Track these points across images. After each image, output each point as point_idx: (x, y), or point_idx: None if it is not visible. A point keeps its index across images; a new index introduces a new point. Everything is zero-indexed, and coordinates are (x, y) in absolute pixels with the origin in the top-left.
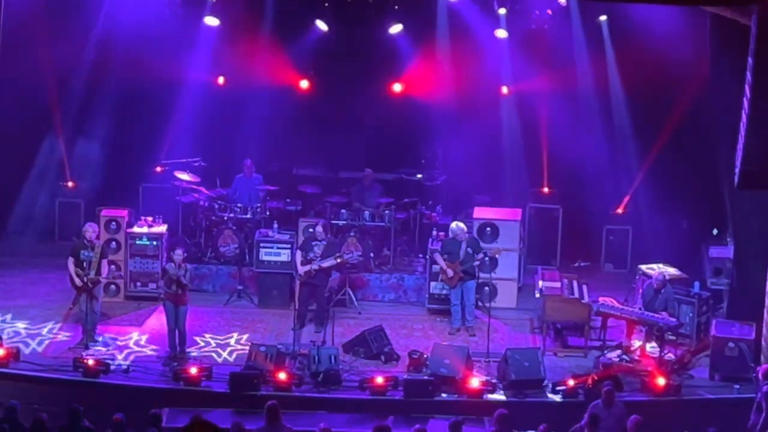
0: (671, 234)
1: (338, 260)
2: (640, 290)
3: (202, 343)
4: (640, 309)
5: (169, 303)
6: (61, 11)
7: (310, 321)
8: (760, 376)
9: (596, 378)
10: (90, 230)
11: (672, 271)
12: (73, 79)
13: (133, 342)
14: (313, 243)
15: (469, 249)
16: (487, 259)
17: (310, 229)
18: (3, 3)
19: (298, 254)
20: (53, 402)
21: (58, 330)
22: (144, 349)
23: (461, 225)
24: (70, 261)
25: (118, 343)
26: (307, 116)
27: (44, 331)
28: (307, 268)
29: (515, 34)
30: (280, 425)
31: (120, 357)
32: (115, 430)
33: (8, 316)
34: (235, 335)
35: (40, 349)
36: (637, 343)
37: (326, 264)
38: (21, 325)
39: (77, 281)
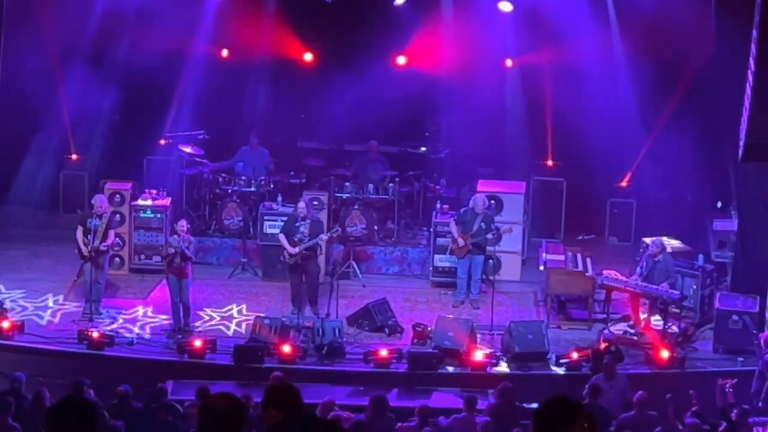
0: (675, 207)
1: (334, 235)
2: (643, 262)
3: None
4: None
5: (173, 276)
6: None
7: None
8: (762, 343)
9: (594, 351)
10: (98, 202)
11: (676, 243)
12: (77, 50)
13: (138, 315)
14: (297, 224)
15: (482, 224)
16: (491, 234)
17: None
18: None
19: (282, 237)
20: (58, 374)
21: (62, 302)
22: (148, 322)
23: (485, 198)
24: (79, 230)
25: (123, 315)
26: (311, 89)
27: (49, 303)
28: (297, 250)
29: (519, 7)
30: None
31: (124, 330)
32: (119, 402)
33: (13, 289)
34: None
35: (44, 322)
36: (641, 316)
37: (325, 238)
38: (25, 298)
39: (84, 250)
